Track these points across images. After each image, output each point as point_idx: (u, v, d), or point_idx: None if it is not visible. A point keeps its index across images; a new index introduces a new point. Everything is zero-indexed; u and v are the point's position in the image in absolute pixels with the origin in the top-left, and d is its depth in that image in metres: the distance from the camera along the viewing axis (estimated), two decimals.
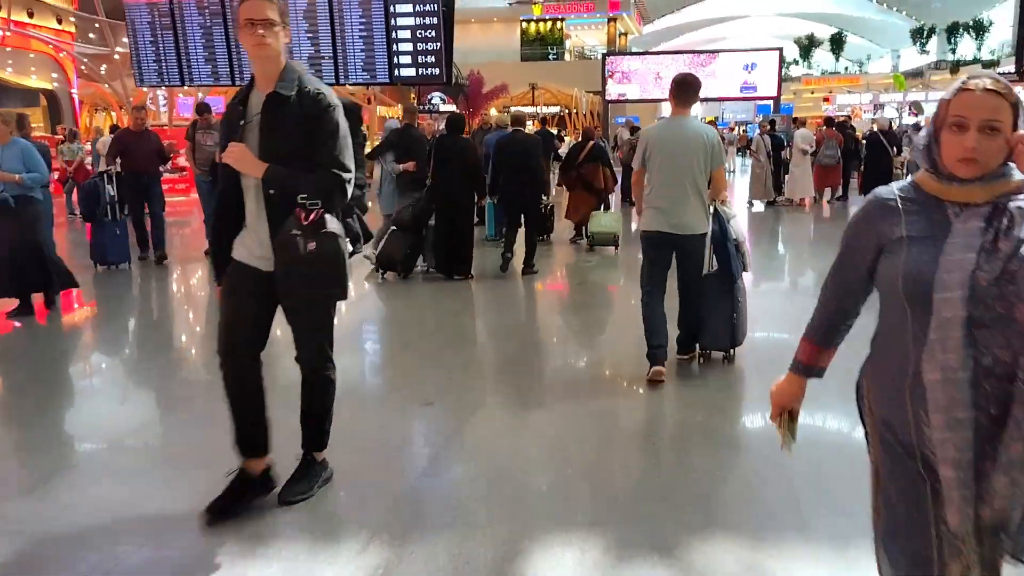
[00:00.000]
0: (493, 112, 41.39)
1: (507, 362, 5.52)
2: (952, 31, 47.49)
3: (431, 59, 9.65)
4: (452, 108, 40.36)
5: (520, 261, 8.53)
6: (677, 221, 4.63)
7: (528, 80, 39.40)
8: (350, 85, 12.78)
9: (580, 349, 6.07)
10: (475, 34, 48.02)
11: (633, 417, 4.45)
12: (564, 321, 7.00)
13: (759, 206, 15.00)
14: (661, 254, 4.78)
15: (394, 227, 8.23)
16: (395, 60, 9.81)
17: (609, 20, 45.75)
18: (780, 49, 29.07)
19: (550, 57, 45.65)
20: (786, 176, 15.25)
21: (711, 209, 4.78)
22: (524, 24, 46.30)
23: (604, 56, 31.91)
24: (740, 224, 4.98)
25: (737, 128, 53.17)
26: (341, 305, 3.62)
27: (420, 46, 9.81)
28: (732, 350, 5.03)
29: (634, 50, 44.48)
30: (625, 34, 49.13)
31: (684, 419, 4.37)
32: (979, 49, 46.13)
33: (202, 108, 9.31)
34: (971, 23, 46.46)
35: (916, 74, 44.64)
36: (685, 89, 4.69)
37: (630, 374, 4.98)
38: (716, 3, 60.94)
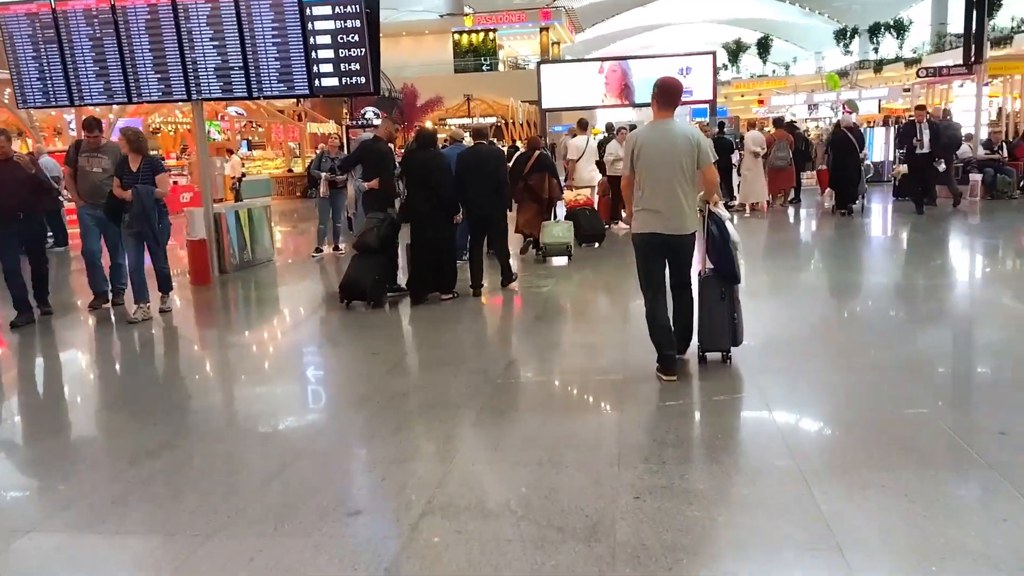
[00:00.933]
0: (428, 124, 40.36)
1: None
2: (874, 31, 48.15)
3: (355, 67, 8.51)
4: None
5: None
6: (670, 222, 4.69)
7: (463, 92, 38.37)
8: (264, 99, 11.57)
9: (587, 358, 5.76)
10: (407, 47, 46.91)
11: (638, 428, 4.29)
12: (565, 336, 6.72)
13: None
14: (657, 255, 4.84)
15: (356, 251, 7.62)
16: (315, 69, 8.62)
17: (541, 30, 45.05)
18: (714, 53, 28.62)
19: (484, 68, 44.74)
20: (738, 180, 14.48)
21: (706, 211, 4.86)
22: (456, 36, 45.29)
23: (539, 65, 31.06)
24: (733, 227, 4.91)
25: None
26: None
27: (343, 52, 8.68)
28: (730, 351, 5.04)
29: (567, 58, 43.87)
30: (558, 43, 48.54)
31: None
32: (900, 47, 46.79)
33: (90, 124, 7.53)
34: (891, 23, 47.10)
35: (842, 74, 45.02)
36: (667, 92, 4.75)
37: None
38: (645, 12, 61.13)
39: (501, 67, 45.95)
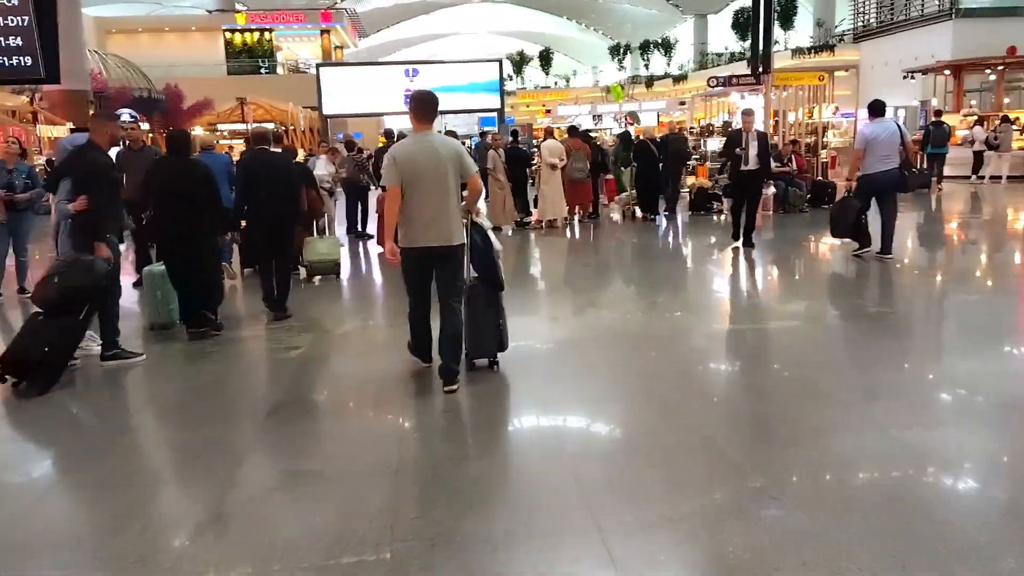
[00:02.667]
0: (199, 130, 36.07)
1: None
2: (644, 48, 49.91)
3: (16, 42, 5.72)
4: (145, 126, 34.49)
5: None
6: (438, 235, 4.71)
7: (237, 95, 34.55)
8: None
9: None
10: (172, 44, 42.04)
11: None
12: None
13: (507, 231, 12.54)
14: (423, 269, 4.85)
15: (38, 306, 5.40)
16: None
17: (322, 32, 41.97)
18: (500, 60, 27.55)
19: (263, 71, 40.93)
20: (534, 195, 12.98)
21: (469, 222, 4.90)
22: (228, 34, 41.05)
23: (318, 67, 28.36)
24: (495, 237, 5.05)
25: (468, 142, 51.88)
26: None
27: None
28: (497, 356, 5.10)
29: (350, 61, 41.24)
30: (341, 47, 45.65)
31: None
32: (668, 64, 48.83)
33: None
34: (660, 41, 49.05)
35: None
36: (423, 105, 4.72)
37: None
38: (430, 20, 59.85)
39: (280, 70, 42.32)
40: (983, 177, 17.39)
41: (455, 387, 4.72)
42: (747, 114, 10.15)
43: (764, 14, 14.23)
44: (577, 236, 12.42)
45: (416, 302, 4.95)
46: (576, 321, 7.01)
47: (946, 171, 18.07)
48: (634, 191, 13.98)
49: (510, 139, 14.17)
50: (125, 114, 33.24)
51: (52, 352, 5.14)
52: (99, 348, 5.68)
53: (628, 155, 14.22)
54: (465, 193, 4.85)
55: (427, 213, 4.65)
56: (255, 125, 33.60)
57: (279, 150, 8.33)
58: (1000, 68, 21.32)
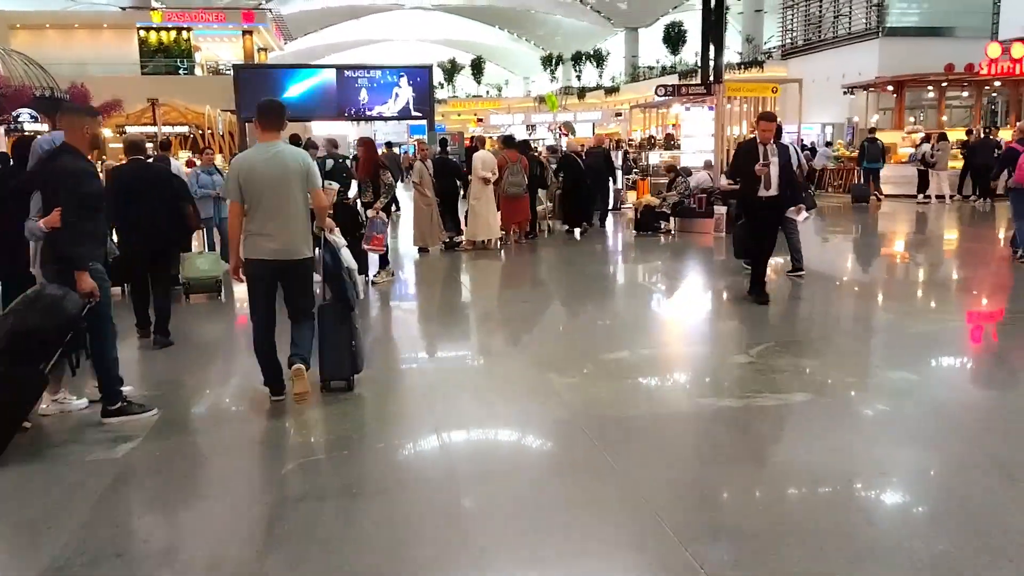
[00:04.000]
0: (108, 132, 33.37)
1: None
2: (576, 59, 49.11)
3: None
4: (44, 128, 31.59)
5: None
6: (282, 247, 4.51)
7: (152, 96, 31.87)
8: None
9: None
10: (82, 42, 38.86)
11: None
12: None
13: (434, 252, 10.93)
14: (267, 282, 4.63)
15: None
16: None
17: (244, 33, 39.40)
18: (430, 67, 25.87)
19: (181, 72, 38.12)
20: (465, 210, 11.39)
21: (322, 239, 4.73)
22: (142, 32, 38.09)
23: (236, 68, 26.13)
24: (348, 253, 4.87)
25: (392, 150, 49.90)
26: None
27: None
28: (353, 378, 4.92)
29: (272, 63, 38.83)
30: (265, 50, 43.11)
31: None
32: (600, 76, 48.06)
33: None
34: (592, 53, 48.29)
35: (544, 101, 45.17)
36: (269, 114, 4.55)
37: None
38: (359, 25, 57.91)
39: (199, 71, 39.55)
40: (929, 197, 16.63)
41: (282, 397, 4.66)
42: (766, 119, 7.18)
43: (714, 21, 13.01)
44: (512, 259, 10.88)
45: (259, 325, 4.64)
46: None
47: (890, 190, 17.33)
48: (549, 204, 13.04)
49: (438, 149, 12.53)
50: (23, 113, 29.77)
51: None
52: (80, 403, 4.71)
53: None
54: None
55: (271, 225, 4.45)
56: (159, 129, 31.07)
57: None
58: (944, 84, 20.77)
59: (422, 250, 11.04)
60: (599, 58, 47.83)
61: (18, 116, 28.52)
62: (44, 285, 4.26)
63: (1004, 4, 25.04)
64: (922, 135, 17.99)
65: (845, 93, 23.75)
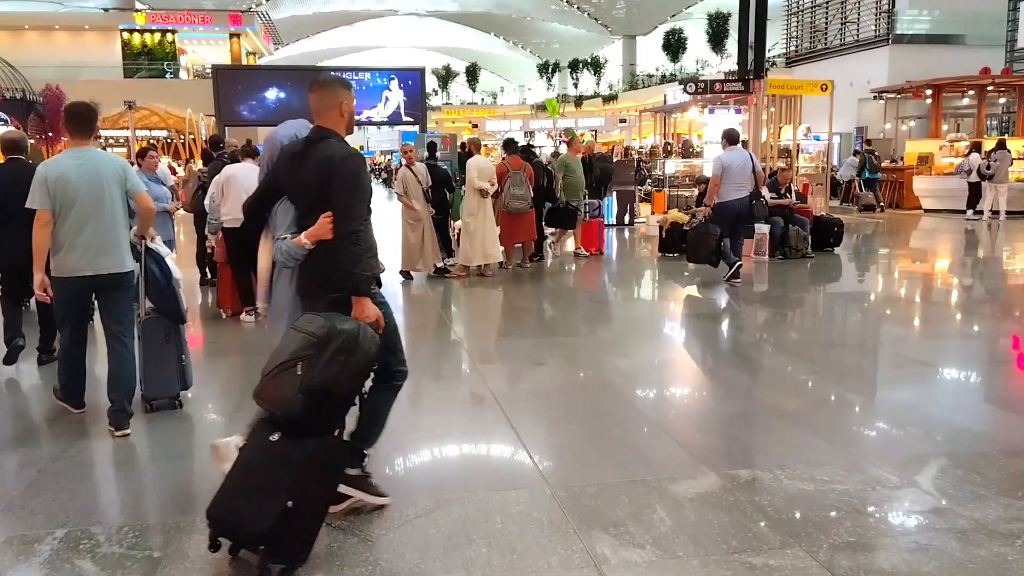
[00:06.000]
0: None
1: None
2: (573, 67, 47.05)
3: None
4: (11, 128, 29.18)
5: None
6: (102, 260, 4.13)
7: (135, 99, 29.52)
8: None
9: None
10: (63, 43, 36.58)
11: None
12: None
13: (419, 280, 8.70)
14: (80, 300, 4.27)
15: None
16: None
17: (231, 36, 37.08)
18: (422, 69, 23.66)
19: (168, 75, 35.82)
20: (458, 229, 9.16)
21: (143, 247, 4.37)
22: (126, 35, 35.77)
23: (215, 69, 23.81)
24: (173, 263, 4.48)
25: (384, 157, 47.86)
26: None
27: None
28: (181, 394, 4.57)
29: (256, 64, 36.55)
30: (253, 54, 40.85)
31: None
32: (598, 84, 45.95)
33: None
34: (589, 60, 46.21)
35: (544, 107, 42.97)
36: (79, 118, 4.21)
37: None
38: (353, 32, 55.84)
39: (184, 75, 37.23)
40: (980, 212, 14.42)
41: (128, 431, 4.14)
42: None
43: (758, 11, 10.79)
44: (515, 291, 8.59)
45: (72, 341, 4.31)
46: None
47: (932, 204, 15.20)
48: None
49: (425, 154, 10.24)
50: None
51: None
52: None
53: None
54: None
55: (87, 237, 4.08)
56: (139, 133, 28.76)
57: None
58: (989, 89, 18.57)
59: (404, 275, 8.79)
60: (596, 65, 45.68)
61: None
62: (329, 321, 2.82)
63: None
64: (965, 144, 15.82)
65: (875, 98, 21.70)
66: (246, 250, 6.11)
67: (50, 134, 29.05)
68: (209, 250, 7.88)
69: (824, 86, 12.19)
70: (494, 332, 7.07)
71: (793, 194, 10.15)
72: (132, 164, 6.83)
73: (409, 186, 8.69)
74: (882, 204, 17.15)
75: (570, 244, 11.25)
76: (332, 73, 4.91)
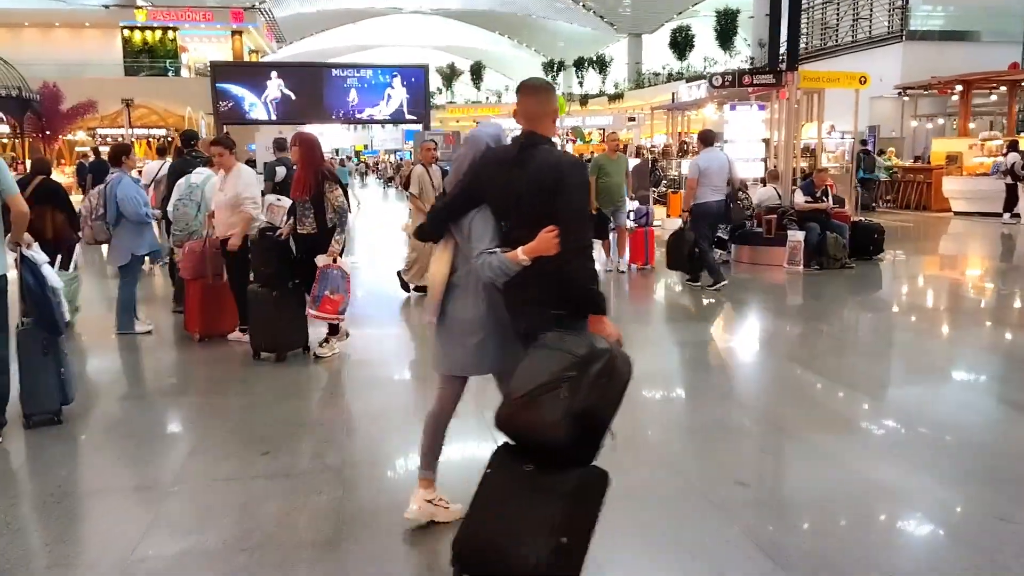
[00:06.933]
0: (81, 134, 30.39)
1: None
2: (579, 66, 46.12)
3: None
4: (5, 128, 28.46)
5: None
6: None
7: (135, 98, 28.63)
8: None
9: None
10: (63, 41, 35.74)
11: None
12: None
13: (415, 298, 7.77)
14: None
15: None
16: None
17: (233, 33, 36.18)
18: (426, 66, 22.71)
19: (169, 73, 34.94)
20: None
21: (19, 256, 4.14)
22: (126, 32, 34.90)
23: (213, 65, 22.88)
24: (51, 270, 4.24)
25: (389, 156, 46.93)
26: None
27: None
28: (62, 409, 4.36)
29: (256, 60, 35.61)
30: (256, 51, 39.92)
31: None
32: (603, 83, 45.02)
33: None
34: (595, 59, 45.26)
35: None
36: None
37: None
38: (357, 30, 55.04)
39: (186, 73, 36.34)
40: (1018, 215, 13.44)
41: None
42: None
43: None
44: None
45: None
46: None
47: (964, 206, 14.22)
48: None
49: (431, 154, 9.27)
50: None
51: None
52: None
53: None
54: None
55: None
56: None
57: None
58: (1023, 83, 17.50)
59: (417, 289, 7.81)
60: (602, 64, 44.73)
61: None
62: (588, 339, 2.47)
63: None
64: (999, 142, 14.83)
65: (899, 95, 20.73)
66: (276, 256, 5.19)
67: (47, 132, 28.26)
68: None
69: (863, 79, 11.23)
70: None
71: (831, 198, 9.15)
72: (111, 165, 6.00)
73: (425, 186, 7.70)
74: (875, 204, 16.84)
75: (600, 255, 9.38)
76: (539, 77, 3.55)
